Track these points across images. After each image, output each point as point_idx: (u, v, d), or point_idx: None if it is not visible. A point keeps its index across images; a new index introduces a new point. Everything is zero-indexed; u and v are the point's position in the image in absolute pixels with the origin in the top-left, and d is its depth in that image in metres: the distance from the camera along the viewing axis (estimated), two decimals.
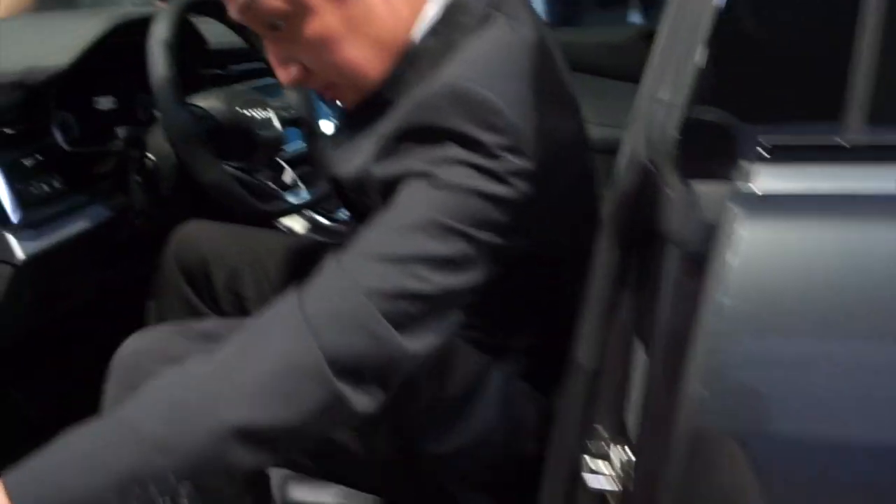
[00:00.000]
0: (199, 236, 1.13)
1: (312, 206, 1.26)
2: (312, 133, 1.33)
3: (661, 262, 0.59)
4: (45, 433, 0.96)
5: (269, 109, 1.22)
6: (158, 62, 1.03)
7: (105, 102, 1.23)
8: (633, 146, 0.61)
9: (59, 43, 1.09)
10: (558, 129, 0.73)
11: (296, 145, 1.47)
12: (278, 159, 1.27)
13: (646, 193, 0.60)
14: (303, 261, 1.10)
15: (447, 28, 0.73)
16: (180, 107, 1.04)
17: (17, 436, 1.30)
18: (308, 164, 1.35)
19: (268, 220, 1.14)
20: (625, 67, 1.82)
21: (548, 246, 0.75)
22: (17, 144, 0.99)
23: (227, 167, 1.14)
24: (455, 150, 0.64)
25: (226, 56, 1.45)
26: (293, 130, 1.36)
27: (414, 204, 0.65)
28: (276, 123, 1.22)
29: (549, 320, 0.78)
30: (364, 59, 0.73)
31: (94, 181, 1.13)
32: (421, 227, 0.63)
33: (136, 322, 1.28)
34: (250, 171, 1.19)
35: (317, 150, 1.32)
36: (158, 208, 1.18)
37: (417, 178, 0.65)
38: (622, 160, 0.63)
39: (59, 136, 1.06)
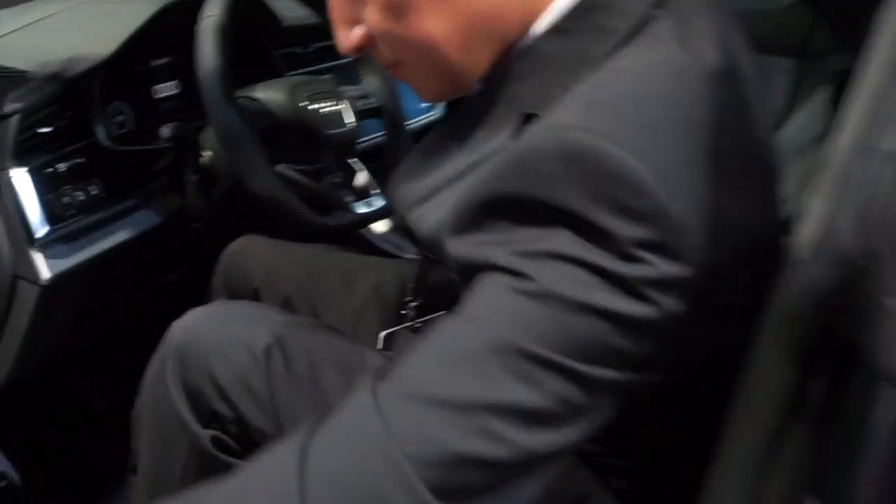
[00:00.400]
0: (249, 258, 0.98)
1: (386, 215, 1.09)
2: (395, 125, 1.16)
3: (870, 400, 0.37)
4: (109, 425, 0.88)
5: (341, 101, 1.05)
6: (206, 50, 0.89)
7: (166, 89, 1.10)
8: (827, 219, 0.39)
9: (108, 30, 0.97)
10: (739, 212, 0.47)
11: (373, 136, 1.30)
12: (350, 160, 1.11)
13: (846, 295, 0.38)
14: (364, 289, 0.94)
15: (581, 28, 0.51)
16: (228, 103, 0.89)
17: (83, 428, 1.26)
18: (387, 159, 1.17)
19: (333, 235, 0.98)
20: (782, 40, 1.51)
21: (694, 375, 0.50)
22: (52, 145, 0.88)
23: (285, 171, 0.99)
24: (567, 242, 0.43)
25: (301, 34, 1.29)
26: (372, 122, 1.19)
27: (493, 318, 0.44)
28: (349, 118, 1.06)
29: (679, 441, 0.57)
30: (444, 36, 0.53)
31: (144, 181, 1.01)
32: (500, 357, 0.43)
33: None
34: (316, 174, 1.03)
35: (398, 145, 1.15)
36: (216, 210, 1.05)
37: (504, 277, 0.44)
38: (805, 235, 0.41)
39: (101, 134, 0.94)
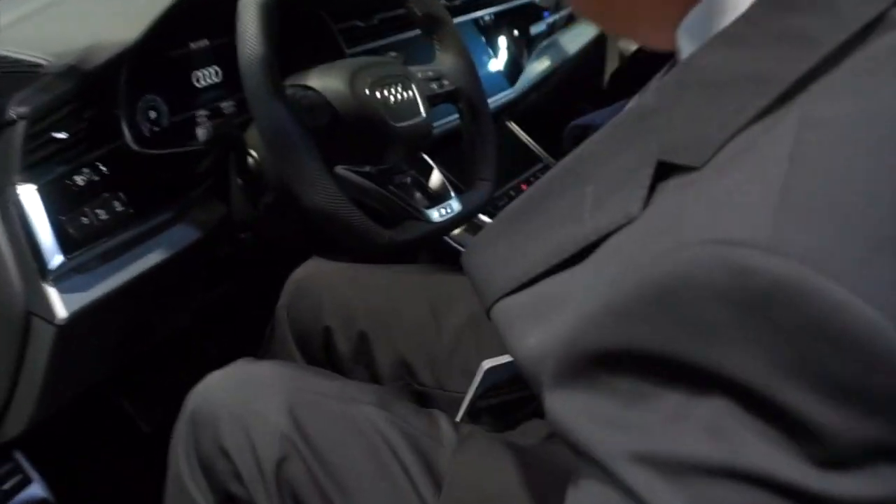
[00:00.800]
0: (317, 289, 0.83)
1: (465, 221, 0.91)
2: (474, 111, 0.97)
3: None
4: (157, 445, 0.80)
5: (411, 86, 0.88)
6: (248, 32, 0.72)
7: (206, 76, 0.94)
8: None
9: (134, 9, 0.81)
10: None
11: (445, 121, 1.12)
12: (422, 156, 0.93)
13: None
14: (456, 322, 0.78)
15: (762, 34, 0.33)
16: (274, 97, 0.72)
17: (130, 448, 1.17)
18: (466, 149, 0.98)
19: (404, 252, 0.82)
20: None
21: None
22: (69, 154, 0.73)
23: (345, 174, 0.83)
24: (735, 437, 0.27)
25: (361, 4, 1.11)
26: (447, 107, 1.01)
27: None
28: (422, 107, 0.88)
29: None
30: None
31: (181, 189, 0.86)
32: None
33: (252, 329, 1.08)
34: (381, 176, 0.86)
35: (478, 133, 0.96)
36: (266, 219, 0.89)
37: (621, 499, 0.29)
38: None
39: (129, 136, 0.79)
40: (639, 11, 0.40)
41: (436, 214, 0.87)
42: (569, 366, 0.32)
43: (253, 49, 0.71)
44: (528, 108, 1.45)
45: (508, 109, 1.37)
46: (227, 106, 0.96)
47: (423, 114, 0.88)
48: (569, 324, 0.32)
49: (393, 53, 1.04)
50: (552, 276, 0.36)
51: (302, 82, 0.83)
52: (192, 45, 0.92)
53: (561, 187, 0.38)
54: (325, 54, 1.08)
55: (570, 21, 1.67)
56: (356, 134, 0.82)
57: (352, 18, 1.14)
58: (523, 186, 1.26)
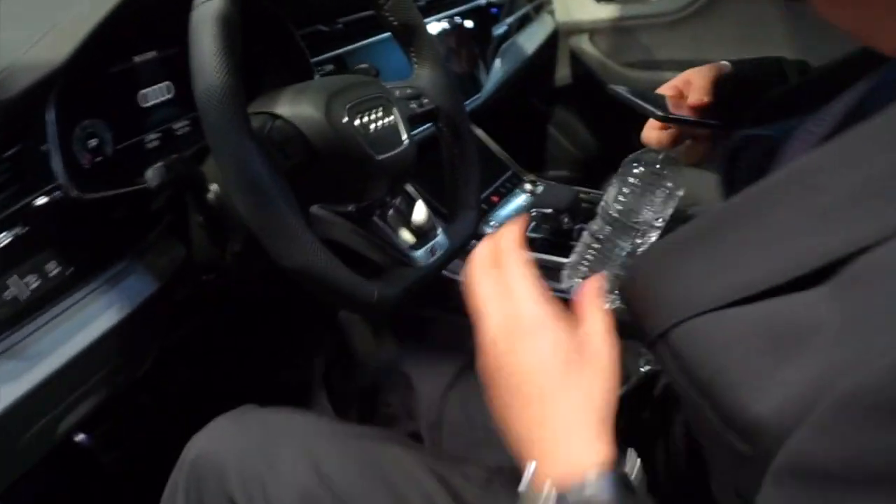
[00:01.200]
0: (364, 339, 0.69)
1: (454, 259, 0.76)
2: (456, 132, 0.80)
3: None
4: (119, 482, 0.76)
5: (392, 111, 0.70)
6: (206, 55, 0.53)
7: (155, 94, 0.74)
8: None
9: (65, 17, 0.60)
10: None
11: (417, 131, 0.95)
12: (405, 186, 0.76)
13: None
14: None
15: None
16: (241, 137, 0.54)
17: (92, 485, 1.01)
18: (447, 176, 0.82)
19: (395, 308, 0.65)
20: None
21: None
22: None
23: (322, 215, 0.65)
24: None
25: (323, 6, 0.92)
26: (424, 127, 0.84)
27: None
28: (404, 133, 0.71)
29: None
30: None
31: (132, 236, 0.67)
32: None
33: (218, 362, 0.91)
34: (362, 214, 0.69)
35: (460, 156, 0.80)
36: (234, 260, 0.71)
37: None
38: None
39: (64, 176, 0.59)
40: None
41: (423, 255, 0.71)
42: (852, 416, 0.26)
43: (212, 76, 0.52)
44: (488, 110, 1.29)
45: (475, 114, 1.21)
46: (180, 126, 0.77)
47: (406, 141, 0.71)
48: (844, 371, 0.26)
49: (364, 65, 0.86)
50: (785, 295, 0.29)
51: (269, 110, 0.64)
52: (137, 59, 0.71)
53: (783, 199, 0.33)
54: (287, 62, 0.89)
55: (524, 22, 1.51)
56: (334, 169, 0.65)
57: (314, 23, 0.95)
58: (494, 199, 1.11)
